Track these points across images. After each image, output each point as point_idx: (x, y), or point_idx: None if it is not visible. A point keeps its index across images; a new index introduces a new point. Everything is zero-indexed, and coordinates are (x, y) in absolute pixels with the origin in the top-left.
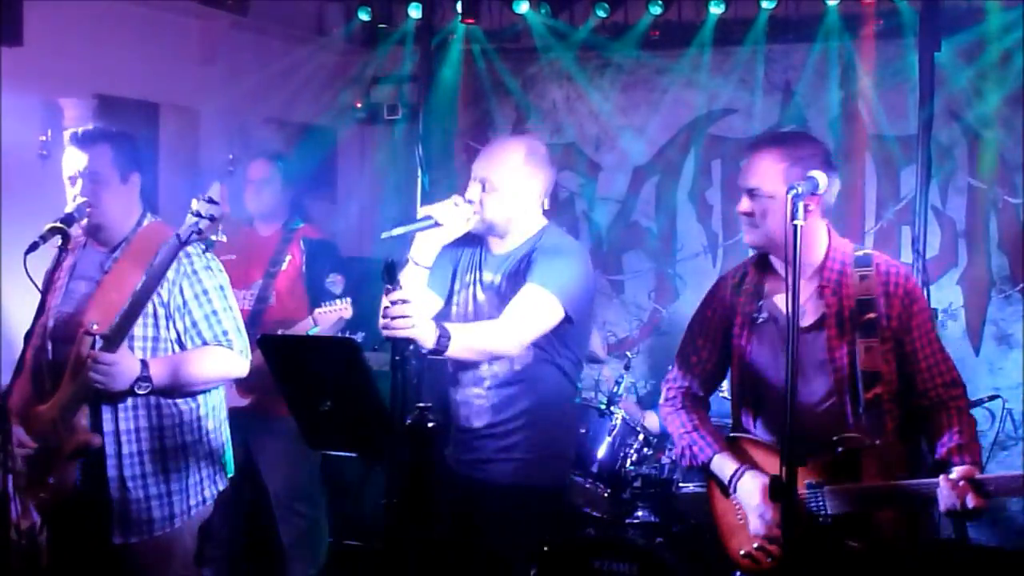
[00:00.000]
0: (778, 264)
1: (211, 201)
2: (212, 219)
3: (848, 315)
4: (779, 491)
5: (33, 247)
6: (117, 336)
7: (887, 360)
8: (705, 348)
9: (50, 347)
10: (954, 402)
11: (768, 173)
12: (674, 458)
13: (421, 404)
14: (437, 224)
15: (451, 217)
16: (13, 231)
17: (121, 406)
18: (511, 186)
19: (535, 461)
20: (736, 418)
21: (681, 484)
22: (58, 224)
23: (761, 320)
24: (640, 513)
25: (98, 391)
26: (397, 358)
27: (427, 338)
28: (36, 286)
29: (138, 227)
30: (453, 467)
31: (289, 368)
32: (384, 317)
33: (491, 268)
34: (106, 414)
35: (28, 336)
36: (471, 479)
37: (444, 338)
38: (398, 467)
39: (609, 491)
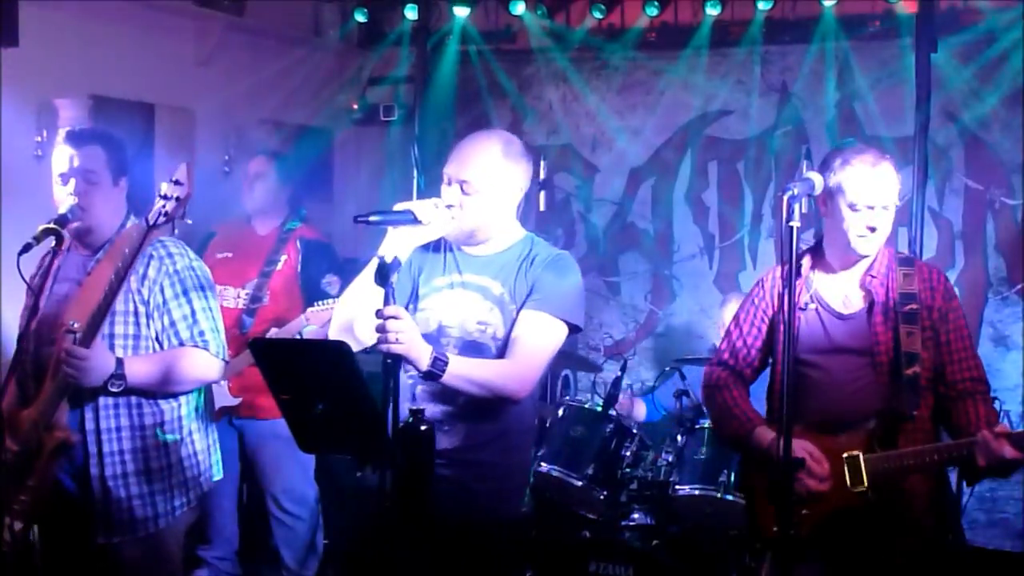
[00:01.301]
0: (831, 258)
1: (176, 183)
2: (177, 200)
3: (892, 305)
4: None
5: (26, 248)
6: (90, 331)
7: (926, 347)
8: (750, 335)
9: (33, 349)
10: (980, 394)
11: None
12: (717, 433)
13: (414, 407)
14: (416, 221)
15: (432, 217)
16: (7, 232)
17: (102, 404)
18: (492, 186)
19: (504, 491)
20: (773, 404)
21: (678, 486)
22: (52, 225)
23: (809, 307)
24: (636, 515)
25: (72, 387)
26: (389, 361)
27: (420, 359)
28: (30, 287)
29: (122, 228)
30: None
31: (280, 371)
32: (377, 331)
33: (477, 271)
34: (87, 412)
35: (21, 339)
36: (448, 508)
37: (440, 363)
38: (391, 470)
39: (605, 493)
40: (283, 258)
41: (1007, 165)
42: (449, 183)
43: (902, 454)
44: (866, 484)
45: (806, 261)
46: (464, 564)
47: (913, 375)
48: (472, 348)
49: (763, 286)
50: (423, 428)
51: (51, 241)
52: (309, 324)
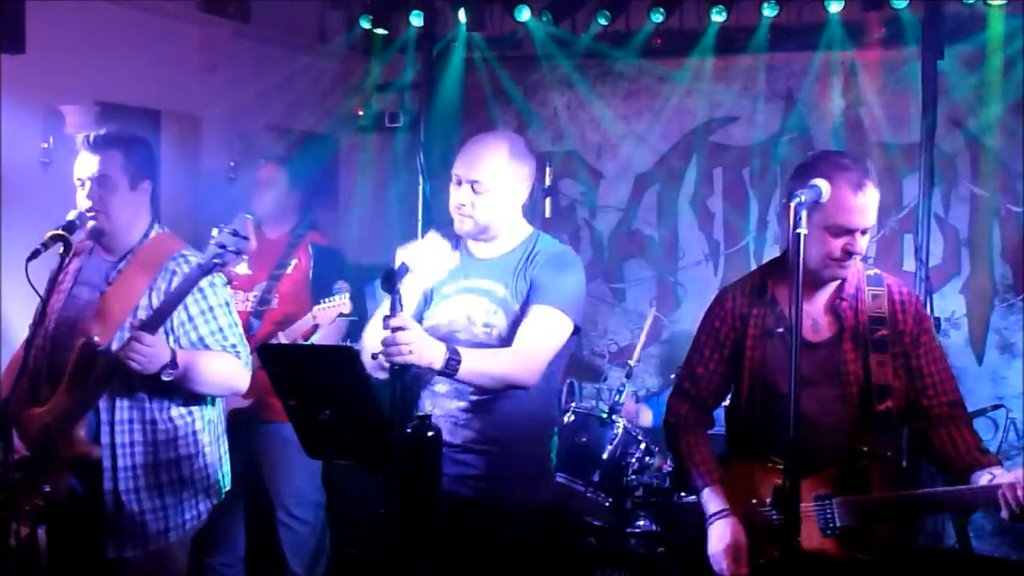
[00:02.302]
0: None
1: (236, 234)
2: (237, 252)
3: (863, 330)
4: (783, 501)
5: (35, 254)
6: (156, 321)
7: (898, 376)
8: (712, 360)
9: (49, 350)
10: (958, 418)
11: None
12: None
13: (421, 413)
14: (407, 269)
15: (426, 259)
16: (14, 238)
17: (117, 420)
18: (501, 184)
19: (520, 478)
20: (737, 431)
21: (683, 494)
22: (60, 231)
23: (777, 333)
24: (641, 522)
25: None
26: (395, 368)
27: (435, 360)
28: (38, 293)
29: (145, 238)
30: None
31: (288, 377)
32: (384, 345)
33: (482, 274)
34: (104, 427)
35: (30, 341)
36: (456, 496)
37: (454, 361)
38: (398, 476)
39: (610, 500)
40: (293, 262)
41: (1013, 172)
42: (459, 184)
43: (880, 500)
44: (838, 526)
45: (768, 282)
46: (484, 552)
47: (885, 411)
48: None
49: (723, 306)
50: (429, 434)
51: (59, 247)
52: (317, 323)
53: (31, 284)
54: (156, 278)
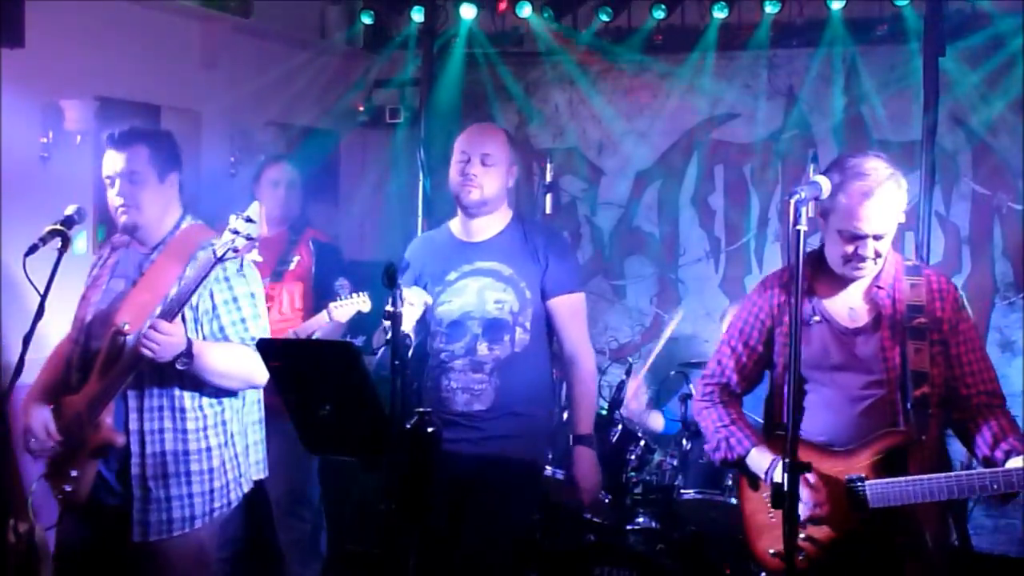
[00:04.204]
0: (834, 267)
1: (249, 220)
2: (249, 238)
3: (900, 318)
4: (779, 498)
5: (32, 249)
6: (173, 309)
7: (935, 363)
8: (748, 346)
9: (83, 341)
10: (998, 408)
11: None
12: (708, 452)
13: (421, 409)
14: (408, 265)
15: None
16: (13, 232)
17: (147, 407)
18: (503, 162)
19: (527, 436)
20: (773, 419)
21: (682, 491)
22: (58, 226)
23: (813, 321)
24: (641, 519)
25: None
26: (397, 363)
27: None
28: (35, 288)
29: (176, 228)
30: (451, 449)
31: (287, 372)
32: (385, 319)
33: (483, 257)
34: (132, 413)
35: (83, 330)
36: (475, 456)
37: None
38: (397, 472)
39: (610, 497)
40: (296, 259)
41: (1014, 170)
42: (468, 160)
43: (910, 482)
44: (869, 509)
45: (808, 270)
46: (484, 511)
47: (922, 396)
48: (495, 326)
49: (762, 294)
50: (429, 430)
51: (57, 242)
52: (333, 321)
53: (28, 279)
54: (186, 267)
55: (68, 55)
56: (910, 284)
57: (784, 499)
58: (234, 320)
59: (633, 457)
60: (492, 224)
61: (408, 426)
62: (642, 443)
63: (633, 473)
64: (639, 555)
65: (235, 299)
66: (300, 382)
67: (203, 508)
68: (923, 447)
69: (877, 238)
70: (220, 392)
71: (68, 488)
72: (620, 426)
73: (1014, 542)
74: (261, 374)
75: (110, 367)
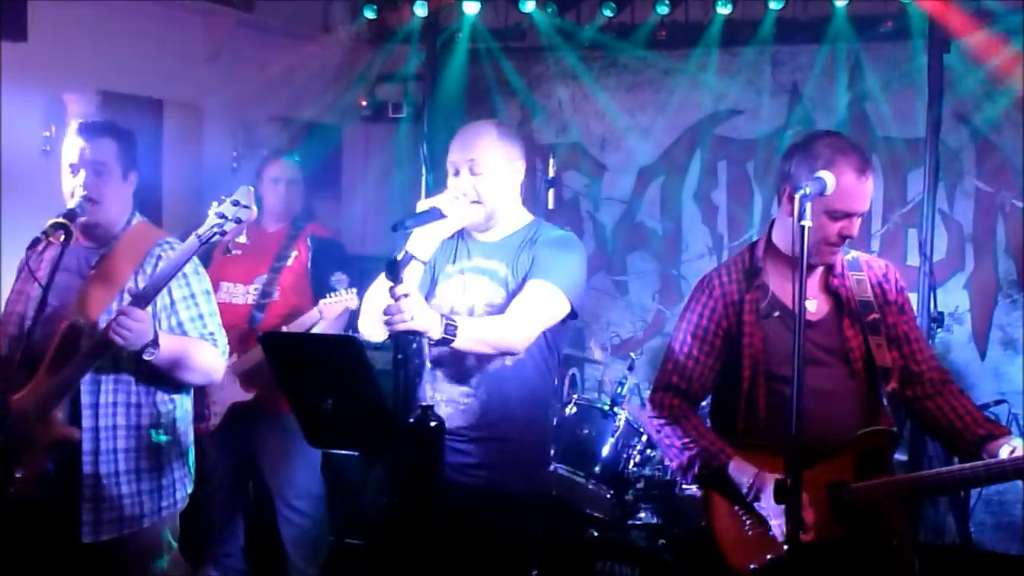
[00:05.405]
0: (783, 259)
1: (238, 204)
2: (238, 221)
3: (856, 307)
4: (783, 492)
5: (35, 242)
6: (148, 295)
7: (893, 359)
8: (703, 351)
9: (28, 337)
10: (951, 384)
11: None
12: (672, 470)
13: (423, 403)
14: (442, 215)
15: (454, 209)
16: (15, 226)
17: (102, 403)
18: (496, 165)
19: (518, 466)
20: (734, 423)
21: (684, 486)
22: (61, 219)
23: (775, 315)
24: (642, 515)
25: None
26: (399, 356)
27: (433, 329)
28: (38, 281)
29: (127, 226)
30: None
31: (290, 366)
32: (386, 313)
33: (485, 255)
34: (86, 410)
35: (26, 327)
36: (458, 485)
37: (452, 327)
38: (400, 466)
39: (611, 492)
40: (293, 254)
41: (1018, 168)
42: (456, 171)
43: (912, 480)
44: (854, 515)
45: (761, 266)
46: (475, 537)
47: (892, 392)
48: None
49: (711, 294)
50: (432, 424)
51: (61, 235)
52: (323, 318)
53: (31, 272)
54: (142, 263)
55: (71, 49)
56: (856, 280)
57: (788, 494)
58: (192, 316)
59: (635, 452)
60: (501, 231)
61: (411, 420)
62: (644, 438)
63: (635, 468)
64: (641, 550)
65: (193, 295)
66: (303, 376)
67: (152, 506)
68: (899, 441)
69: (861, 216)
70: (174, 389)
71: (11, 490)
72: (622, 422)
73: (1015, 539)
74: (220, 369)
75: (63, 362)
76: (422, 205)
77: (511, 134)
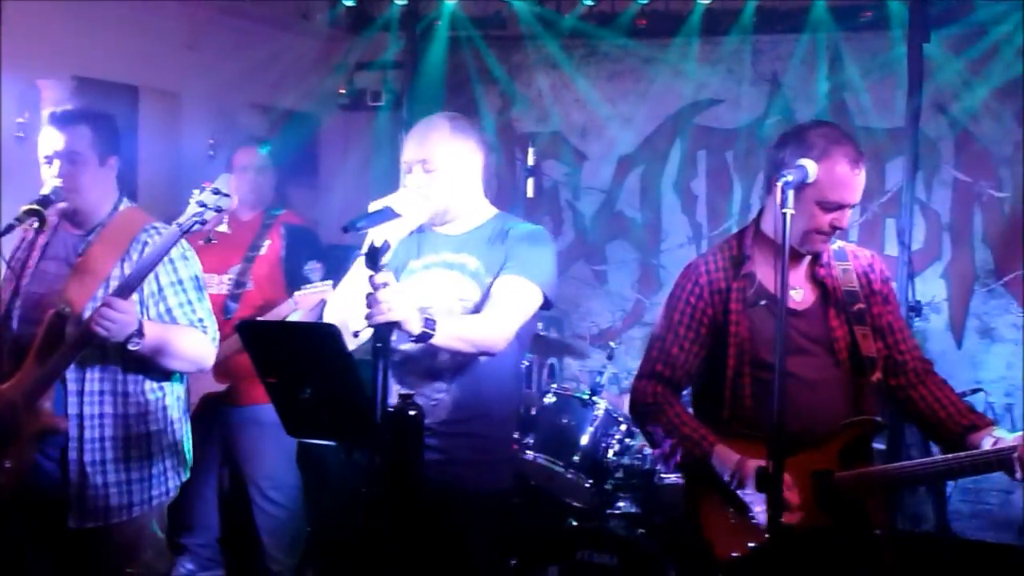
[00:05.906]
0: (771, 247)
1: (218, 192)
2: (219, 210)
3: (842, 298)
4: (766, 479)
5: (8, 229)
6: (129, 285)
7: (878, 349)
8: (688, 339)
9: (15, 326)
10: (933, 373)
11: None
12: (655, 457)
13: (403, 392)
14: (396, 215)
15: (408, 206)
16: None
17: (88, 391)
18: (450, 162)
19: (488, 463)
20: (719, 411)
21: (663, 475)
22: (34, 206)
23: (761, 303)
24: (622, 504)
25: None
26: (378, 345)
27: (412, 322)
28: (10, 266)
29: (114, 211)
30: None
31: (268, 354)
32: (368, 305)
33: (453, 249)
34: (72, 397)
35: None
36: (428, 481)
37: (431, 323)
38: (379, 456)
39: (591, 481)
40: (267, 243)
41: (996, 158)
42: (409, 169)
43: (896, 469)
44: (839, 504)
45: (749, 255)
46: (448, 534)
47: (876, 382)
48: None
49: (698, 281)
50: (412, 413)
51: (34, 222)
52: (298, 308)
53: (3, 259)
54: (128, 250)
55: (46, 34)
56: (842, 270)
57: (770, 482)
58: (181, 302)
59: (614, 442)
60: (464, 225)
61: (391, 409)
62: (623, 427)
63: (614, 457)
64: (620, 539)
65: (180, 281)
66: (280, 364)
67: (141, 495)
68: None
69: (853, 207)
70: (162, 377)
71: (1, 480)
72: (601, 411)
73: (991, 527)
74: (210, 356)
75: (49, 351)
76: (374, 205)
77: (465, 127)
